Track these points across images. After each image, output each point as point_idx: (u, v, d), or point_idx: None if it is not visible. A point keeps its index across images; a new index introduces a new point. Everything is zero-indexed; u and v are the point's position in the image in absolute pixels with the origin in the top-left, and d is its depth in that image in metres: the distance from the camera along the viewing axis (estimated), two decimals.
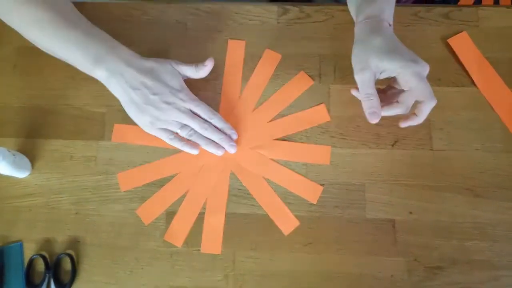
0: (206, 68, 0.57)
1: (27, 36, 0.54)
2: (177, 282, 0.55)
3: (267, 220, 0.56)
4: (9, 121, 0.62)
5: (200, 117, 0.56)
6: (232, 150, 0.56)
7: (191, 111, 0.55)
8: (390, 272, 0.54)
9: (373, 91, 0.49)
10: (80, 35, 0.52)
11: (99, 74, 0.52)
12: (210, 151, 0.56)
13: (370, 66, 0.49)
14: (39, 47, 0.54)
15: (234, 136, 0.57)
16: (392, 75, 0.49)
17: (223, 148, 0.56)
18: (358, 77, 0.50)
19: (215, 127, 0.56)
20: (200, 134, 0.55)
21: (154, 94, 0.53)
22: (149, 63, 0.55)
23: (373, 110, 0.49)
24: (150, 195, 0.58)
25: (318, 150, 0.58)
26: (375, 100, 0.49)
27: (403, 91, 0.50)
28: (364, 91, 0.49)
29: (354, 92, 0.56)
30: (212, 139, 0.56)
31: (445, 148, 0.58)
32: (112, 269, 0.56)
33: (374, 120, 0.49)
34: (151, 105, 0.53)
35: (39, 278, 0.56)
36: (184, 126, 0.55)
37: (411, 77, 0.48)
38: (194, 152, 0.56)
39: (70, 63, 0.54)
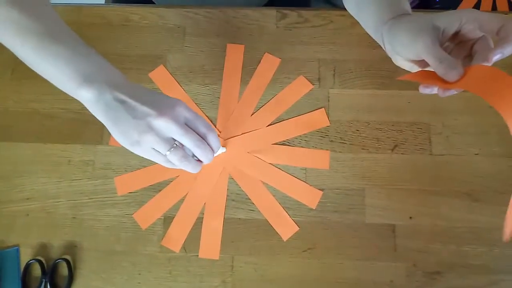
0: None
1: (4, 42, 0.46)
2: None
3: (266, 225, 0.56)
4: (6, 125, 0.62)
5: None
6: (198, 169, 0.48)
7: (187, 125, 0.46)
8: (389, 278, 0.54)
9: (442, 51, 0.41)
10: (67, 51, 0.45)
11: (85, 94, 0.44)
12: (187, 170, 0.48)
13: (427, 29, 0.42)
14: (16, 55, 0.46)
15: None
16: (454, 27, 0.43)
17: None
18: (420, 45, 0.42)
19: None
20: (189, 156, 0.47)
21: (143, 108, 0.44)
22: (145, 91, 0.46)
23: (450, 69, 0.41)
24: (148, 199, 0.58)
25: (317, 155, 0.58)
26: (450, 58, 0.41)
27: (470, 41, 0.44)
28: (433, 55, 0.41)
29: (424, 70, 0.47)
30: (201, 159, 0.48)
31: (444, 152, 0.58)
32: (109, 274, 0.56)
33: (456, 77, 0.41)
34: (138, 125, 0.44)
35: (36, 283, 0.55)
36: (174, 147, 0.46)
37: (476, 13, 0.41)
38: (196, 170, 0.48)
39: (48, 78, 0.47)
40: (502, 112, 0.37)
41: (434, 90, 0.44)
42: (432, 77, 0.43)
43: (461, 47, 0.45)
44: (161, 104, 0.44)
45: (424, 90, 0.44)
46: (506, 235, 0.36)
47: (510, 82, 0.37)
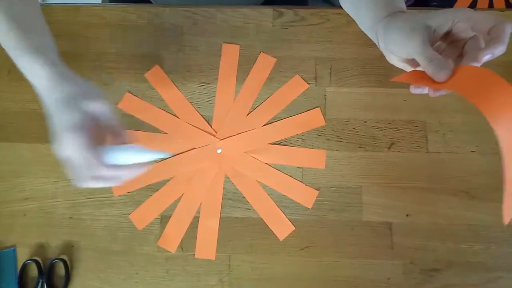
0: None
1: None
2: (172, 287, 0.55)
3: (263, 224, 0.56)
4: (4, 125, 0.62)
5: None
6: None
7: None
8: (387, 275, 0.54)
9: (432, 50, 0.41)
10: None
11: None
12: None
13: (419, 28, 0.42)
14: None
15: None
16: (446, 27, 0.42)
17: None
18: (411, 44, 0.42)
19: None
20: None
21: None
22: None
23: (440, 68, 0.40)
24: (145, 199, 0.58)
25: (313, 154, 0.58)
26: (439, 57, 0.41)
27: (462, 40, 0.44)
28: (423, 55, 0.41)
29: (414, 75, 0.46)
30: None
31: (440, 150, 0.58)
32: (106, 274, 0.56)
33: (444, 77, 0.40)
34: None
35: (32, 284, 0.55)
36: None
37: (469, 12, 0.41)
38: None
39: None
40: (486, 113, 0.36)
41: (425, 90, 0.44)
42: (424, 78, 0.42)
43: (453, 47, 0.45)
44: (60, 129, 0.42)
45: (415, 90, 0.44)
46: (505, 218, 0.36)
47: (496, 80, 0.37)
